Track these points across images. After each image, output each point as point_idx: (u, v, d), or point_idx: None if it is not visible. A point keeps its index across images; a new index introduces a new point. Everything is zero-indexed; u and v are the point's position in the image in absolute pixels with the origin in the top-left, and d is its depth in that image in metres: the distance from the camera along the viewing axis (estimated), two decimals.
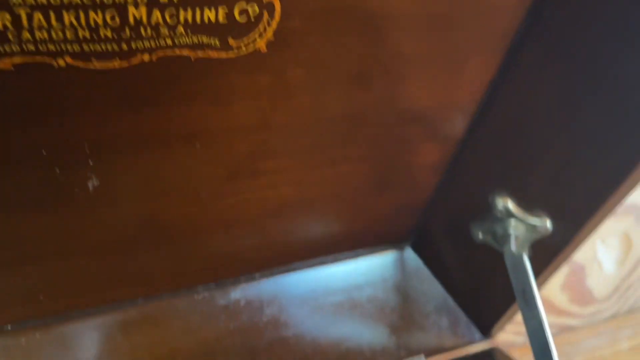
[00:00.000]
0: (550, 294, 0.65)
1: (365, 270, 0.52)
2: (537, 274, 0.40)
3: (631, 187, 0.34)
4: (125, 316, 0.43)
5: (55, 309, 0.40)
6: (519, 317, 0.49)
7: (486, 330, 0.53)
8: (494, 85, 0.37)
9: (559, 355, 0.38)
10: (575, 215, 0.37)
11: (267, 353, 0.47)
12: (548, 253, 0.40)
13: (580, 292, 0.66)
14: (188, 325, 0.45)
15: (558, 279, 0.64)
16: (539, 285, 0.41)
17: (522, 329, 0.48)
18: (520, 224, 0.40)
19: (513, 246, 0.41)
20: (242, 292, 0.48)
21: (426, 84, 0.34)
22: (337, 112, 0.34)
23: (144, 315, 0.44)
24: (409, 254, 0.54)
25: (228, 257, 0.44)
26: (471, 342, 0.53)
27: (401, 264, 0.53)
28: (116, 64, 0.25)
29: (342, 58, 0.30)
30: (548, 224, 0.39)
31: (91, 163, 0.30)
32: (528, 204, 0.40)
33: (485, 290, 0.49)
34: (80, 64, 0.24)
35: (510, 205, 0.40)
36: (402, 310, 0.53)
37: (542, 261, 0.41)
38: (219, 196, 0.36)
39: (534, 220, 0.39)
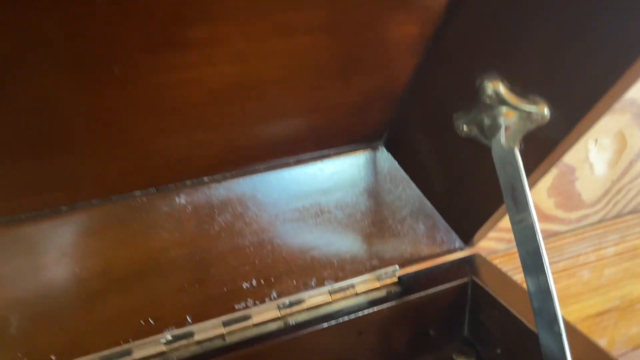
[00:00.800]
0: (536, 197, 0.60)
1: (333, 172, 0.47)
2: (528, 172, 0.35)
3: None
4: (46, 226, 0.37)
5: None
6: (501, 223, 0.44)
7: (467, 238, 0.49)
8: None
9: None
10: (578, 101, 0.32)
11: (220, 264, 0.42)
12: (543, 147, 0.35)
13: (568, 196, 0.62)
14: (125, 234, 0.39)
15: (545, 181, 0.60)
16: (531, 185, 0.36)
17: (504, 235, 0.43)
18: (512, 112, 0.34)
19: (503, 138, 0.35)
20: (189, 198, 0.41)
21: None
22: None
23: (69, 224, 0.37)
24: (382, 153, 0.49)
25: (166, 155, 0.37)
26: (450, 250, 0.48)
27: (373, 165, 0.48)
28: None
29: None
30: (546, 110, 0.33)
31: None
32: (522, 89, 0.34)
33: (468, 192, 0.45)
34: None
35: (502, 89, 0.34)
36: (374, 216, 0.48)
37: (535, 156, 0.36)
38: (139, 74, 0.29)
39: (529, 107, 0.33)
